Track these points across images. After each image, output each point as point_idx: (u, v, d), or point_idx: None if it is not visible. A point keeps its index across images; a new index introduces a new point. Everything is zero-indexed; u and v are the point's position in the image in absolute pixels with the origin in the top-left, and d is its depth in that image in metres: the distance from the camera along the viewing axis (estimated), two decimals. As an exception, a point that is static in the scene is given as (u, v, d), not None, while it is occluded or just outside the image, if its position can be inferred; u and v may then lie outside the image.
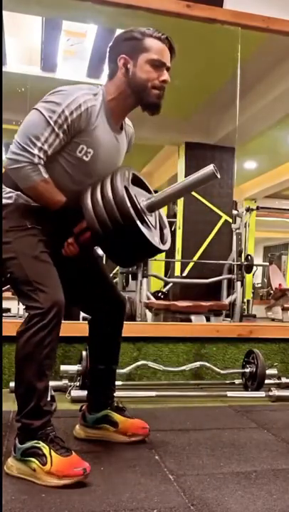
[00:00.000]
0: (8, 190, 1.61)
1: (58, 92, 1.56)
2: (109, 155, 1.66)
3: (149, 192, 1.71)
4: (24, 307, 1.52)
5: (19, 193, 1.60)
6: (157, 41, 1.62)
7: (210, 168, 1.56)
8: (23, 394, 1.50)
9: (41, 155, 1.52)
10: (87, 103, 1.55)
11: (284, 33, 3.32)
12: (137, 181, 1.66)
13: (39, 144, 1.51)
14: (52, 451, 1.44)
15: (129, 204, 1.50)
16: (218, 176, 1.56)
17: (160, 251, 1.65)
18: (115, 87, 1.63)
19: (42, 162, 1.53)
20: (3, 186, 1.63)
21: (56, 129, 1.52)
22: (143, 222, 1.56)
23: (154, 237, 1.60)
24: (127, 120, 1.78)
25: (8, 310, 4.33)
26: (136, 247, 1.59)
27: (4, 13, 3.42)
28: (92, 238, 1.58)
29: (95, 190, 1.55)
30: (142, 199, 1.62)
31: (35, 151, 1.50)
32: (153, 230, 1.63)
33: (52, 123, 1.51)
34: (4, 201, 1.60)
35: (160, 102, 1.65)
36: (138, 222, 1.51)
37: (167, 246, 1.70)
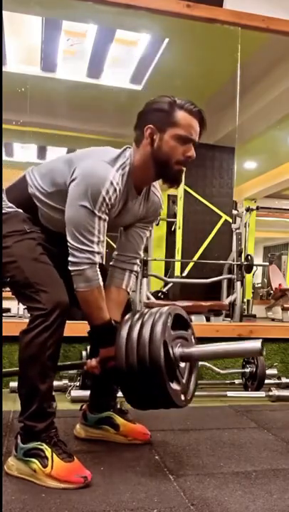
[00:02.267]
0: (10, 204, 1.63)
1: (92, 174, 1.51)
2: (119, 215, 1.65)
3: (187, 326, 1.67)
4: (27, 309, 1.51)
5: (20, 210, 1.62)
6: (187, 115, 1.55)
7: (258, 345, 1.50)
8: (26, 395, 1.49)
9: (100, 248, 1.53)
10: (120, 183, 1.54)
11: (284, 33, 3.32)
12: (177, 317, 1.61)
13: (95, 239, 1.51)
14: (54, 454, 1.44)
15: (163, 362, 1.44)
16: (263, 354, 1.53)
17: (181, 407, 1.59)
18: (140, 155, 1.60)
19: (100, 256, 1.54)
20: (6, 200, 1.65)
21: (102, 216, 1.52)
22: (173, 376, 1.52)
23: (179, 394, 1.54)
24: (155, 188, 1.75)
25: (8, 310, 4.33)
26: (157, 398, 1.54)
27: (4, 13, 3.42)
28: (115, 370, 1.55)
29: (133, 328, 1.52)
30: (179, 344, 1.56)
31: (95, 248, 1.51)
32: (181, 381, 1.57)
33: (97, 212, 1.50)
34: (4, 211, 1.61)
35: (181, 177, 1.63)
36: (167, 382, 1.46)
37: (190, 399, 1.63)
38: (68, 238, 1.53)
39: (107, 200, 1.50)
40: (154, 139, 1.57)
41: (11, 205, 1.63)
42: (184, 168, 1.61)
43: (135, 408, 1.65)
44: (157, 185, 1.77)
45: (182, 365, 1.60)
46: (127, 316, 1.60)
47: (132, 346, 1.49)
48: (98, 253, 1.53)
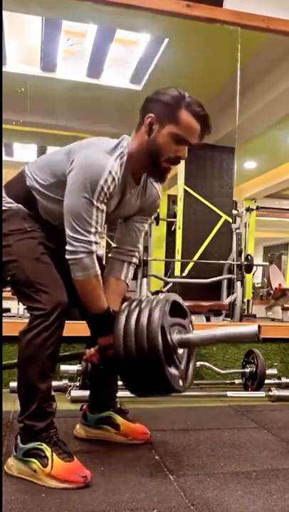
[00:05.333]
0: (10, 200, 1.63)
1: (91, 164, 1.50)
2: (117, 207, 1.66)
3: (185, 315, 1.67)
4: (27, 309, 1.52)
5: (20, 205, 1.61)
6: (191, 117, 1.53)
7: (254, 329, 1.53)
8: (25, 395, 1.49)
9: (97, 238, 1.52)
10: (118, 173, 1.54)
11: (284, 33, 3.32)
12: (175, 305, 1.61)
13: (93, 229, 1.51)
14: (54, 454, 1.44)
15: (160, 346, 1.44)
16: (260, 339, 1.54)
17: (180, 392, 1.59)
18: (137, 141, 1.60)
19: (97, 246, 1.53)
20: (5, 195, 1.64)
21: (100, 206, 1.51)
22: (172, 361, 1.52)
23: (177, 379, 1.54)
24: (153, 180, 1.74)
25: (8, 310, 4.33)
26: (155, 383, 1.53)
27: (4, 13, 3.42)
28: (114, 358, 1.55)
29: (131, 315, 1.52)
30: (177, 330, 1.57)
31: (92, 238, 1.51)
32: (179, 367, 1.58)
33: (95, 203, 1.49)
34: (4, 207, 1.61)
35: (166, 175, 1.63)
36: (165, 366, 1.46)
37: (188, 385, 1.63)
38: (66, 228, 1.53)
39: (106, 189, 1.50)
40: (152, 129, 1.56)
41: (10, 200, 1.62)
42: (172, 167, 1.61)
43: (135, 395, 1.64)
44: None
45: (180, 351, 1.60)
46: (124, 304, 1.60)
47: (130, 333, 1.49)
48: (96, 243, 1.52)
